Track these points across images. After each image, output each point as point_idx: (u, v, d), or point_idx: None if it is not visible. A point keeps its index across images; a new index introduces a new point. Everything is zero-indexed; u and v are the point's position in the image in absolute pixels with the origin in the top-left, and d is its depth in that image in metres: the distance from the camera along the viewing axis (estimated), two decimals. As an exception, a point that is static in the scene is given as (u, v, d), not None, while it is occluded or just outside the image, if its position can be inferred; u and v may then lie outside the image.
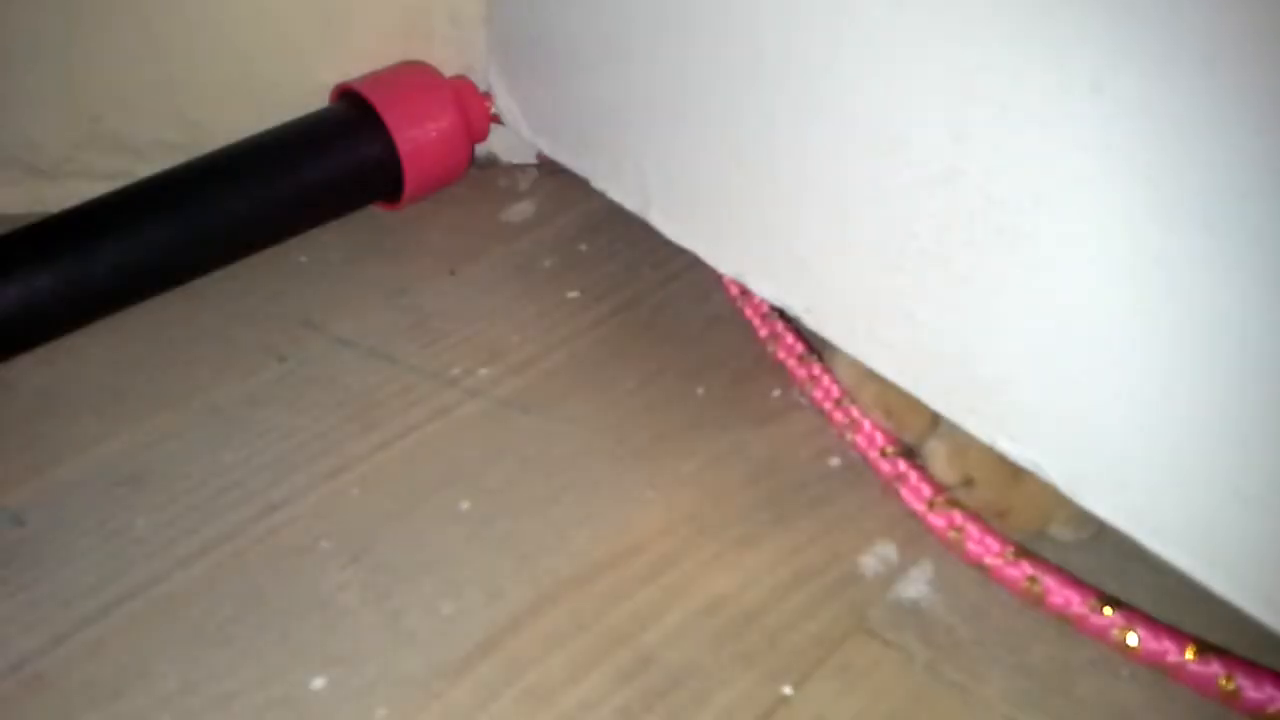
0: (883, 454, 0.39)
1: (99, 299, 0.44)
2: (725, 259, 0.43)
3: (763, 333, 0.44)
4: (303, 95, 0.50)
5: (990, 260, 0.33)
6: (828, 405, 0.41)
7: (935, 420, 0.39)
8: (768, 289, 0.42)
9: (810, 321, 0.40)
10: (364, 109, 0.49)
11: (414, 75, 0.51)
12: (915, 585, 0.37)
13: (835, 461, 0.41)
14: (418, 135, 0.49)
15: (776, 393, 0.44)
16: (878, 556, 0.37)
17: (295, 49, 0.51)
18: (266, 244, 0.49)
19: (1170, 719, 0.33)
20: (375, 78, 0.50)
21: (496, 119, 0.52)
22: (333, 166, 0.49)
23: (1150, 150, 0.28)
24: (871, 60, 0.34)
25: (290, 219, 0.49)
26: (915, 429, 0.39)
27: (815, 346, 0.43)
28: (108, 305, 0.45)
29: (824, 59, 0.36)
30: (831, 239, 0.38)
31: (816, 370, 0.42)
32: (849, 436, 0.40)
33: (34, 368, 0.44)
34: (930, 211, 0.34)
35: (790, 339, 0.43)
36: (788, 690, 0.33)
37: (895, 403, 0.39)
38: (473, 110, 0.51)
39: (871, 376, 0.39)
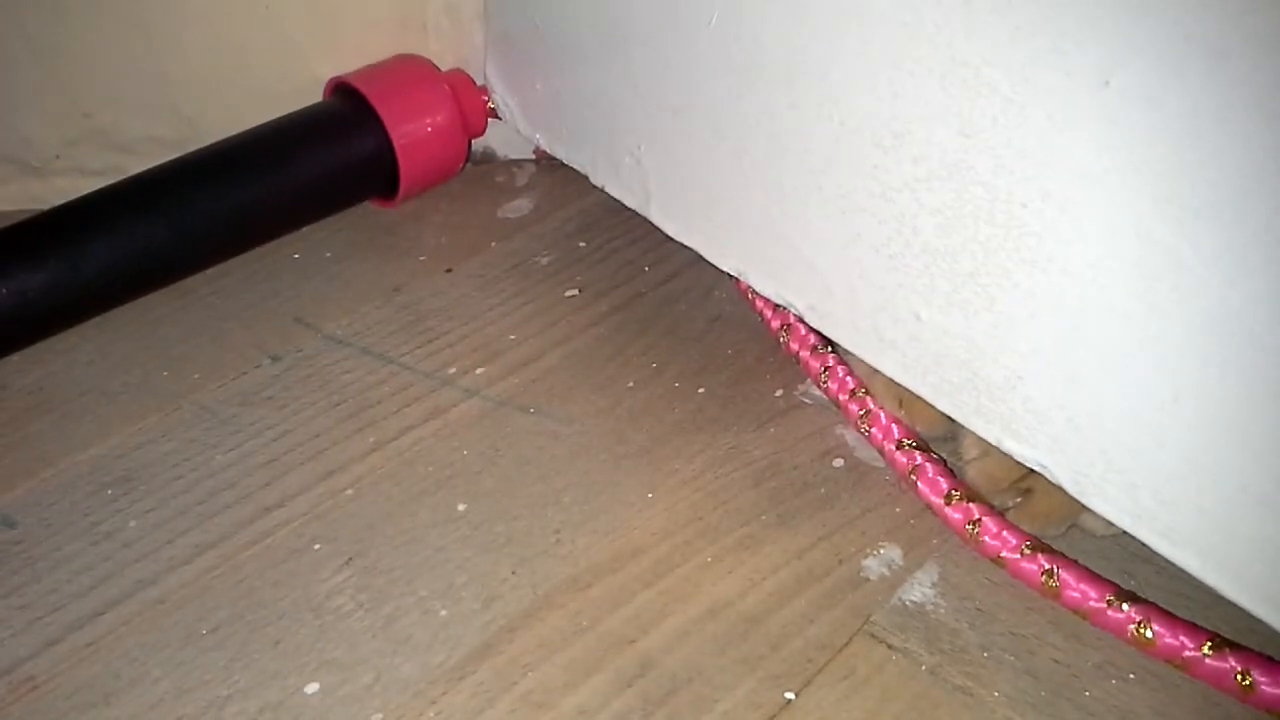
0: (899, 446, 0.39)
1: (89, 297, 0.44)
2: (726, 256, 0.42)
3: (775, 324, 0.43)
4: (297, 89, 0.50)
5: (996, 257, 0.33)
6: (843, 397, 0.41)
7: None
8: (769, 287, 0.41)
9: (813, 320, 0.40)
10: (359, 103, 0.48)
11: (410, 69, 0.51)
12: (920, 589, 0.36)
13: (839, 463, 0.40)
14: (413, 130, 0.49)
15: (779, 392, 0.43)
16: (882, 559, 0.37)
17: (289, 43, 0.51)
18: (259, 241, 0.48)
19: (1179, 724, 0.33)
20: (370, 71, 0.50)
21: (494, 113, 0.52)
22: (327, 162, 0.48)
23: (1159, 145, 0.28)
24: (876, 54, 0.34)
25: (283, 216, 0.48)
26: (928, 421, 0.39)
27: (828, 339, 0.42)
28: (98, 303, 0.44)
29: (827, 52, 0.35)
30: (834, 235, 0.37)
31: (831, 361, 0.41)
32: (864, 429, 0.40)
33: (24, 367, 0.43)
34: (934, 208, 0.34)
35: (803, 330, 0.42)
36: (790, 695, 0.33)
37: (908, 394, 0.38)
38: (469, 104, 0.51)
39: None
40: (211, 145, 0.47)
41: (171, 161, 0.46)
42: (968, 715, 0.33)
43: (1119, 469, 0.32)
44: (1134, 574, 0.36)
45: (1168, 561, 0.32)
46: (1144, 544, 0.32)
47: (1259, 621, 0.31)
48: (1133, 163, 0.29)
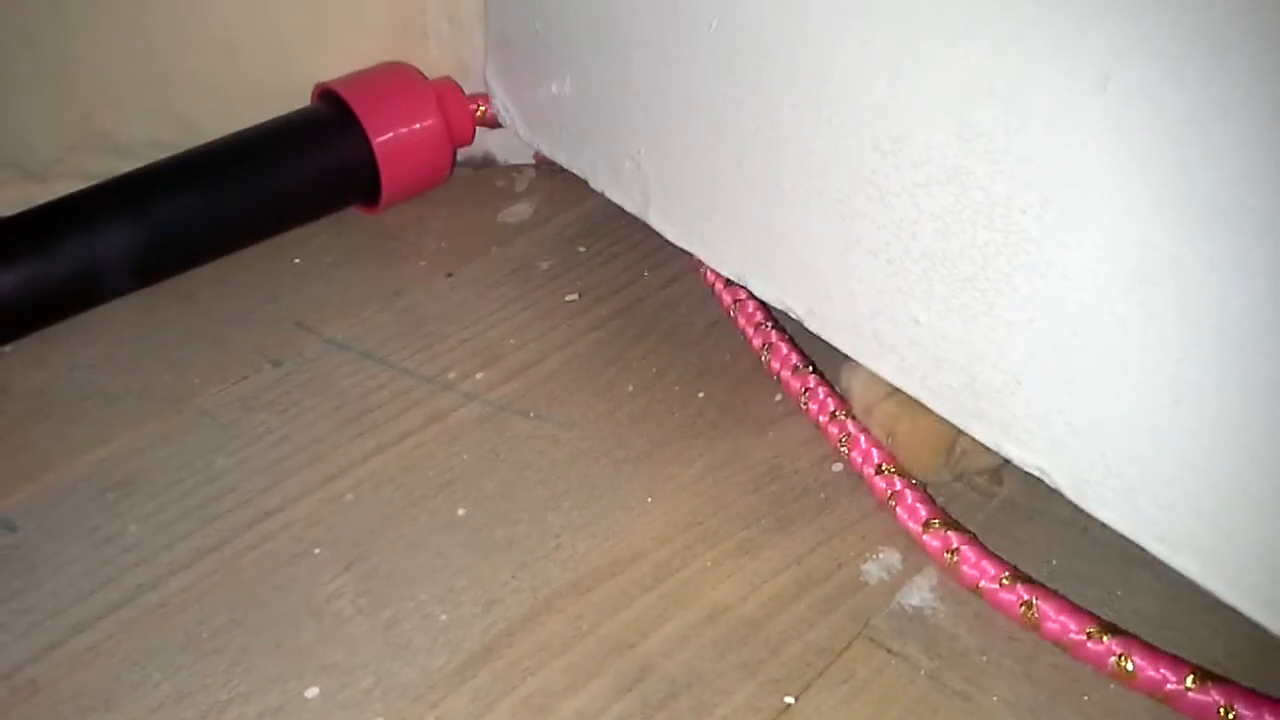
0: (878, 471, 0.38)
1: (62, 297, 0.44)
2: (726, 261, 0.42)
3: (756, 343, 0.43)
4: (295, 94, 0.50)
5: (995, 262, 0.33)
6: (823, 419, 0.40)
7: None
8: (769, 291, 0.41)
9: (812, 325, 0.40)
10: (341, 109, 0.48)
11: (394, 76, 0.50)
12: (919, 593, 0.36)
13: (838, 468, 0.40)
14: (395, 137, 0.49)
15: (778, 397, 0.43)
16: (881, 564, 0.37)
17: (288, 47, 0.51)
18: (238, 245, 0.48)
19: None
20: (355, 78, 0.50)
21: (485, 121, 0.52)
22: (307, 167, 0.48)
23: (1159, 148, 0.28)
24: (875, 57, 0.34)
25: (263, 220, 0.48)
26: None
27: (809, 358, 0.42)
28: (71, 304, 0.44)
29: (827, 57, 0.35)
30: (833, 240, 0.37)
31: (811, 383, 0.41)
32: (844, 452, 0.40)
33: (26, 371, 0.44)
34: (934, 212, 0.34)
35: (785, 349, 0.42)
36: (789, 700, 0.33)
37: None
38: (455, 113, 0.51)
39: (888, 398, 0.38)
40: (192, 149, 0.46)
41: (150, 164, 0.46)
42: (967, 720, 0.33)
43: (1118, 473, 0.32)
44: (1132, 579, 0.36)
45: (1166, 566, 0.32)
46: (1143, 549, 0.32)
47: (1257, 626, 0.31)
48: (1132, 165, 0.29)
